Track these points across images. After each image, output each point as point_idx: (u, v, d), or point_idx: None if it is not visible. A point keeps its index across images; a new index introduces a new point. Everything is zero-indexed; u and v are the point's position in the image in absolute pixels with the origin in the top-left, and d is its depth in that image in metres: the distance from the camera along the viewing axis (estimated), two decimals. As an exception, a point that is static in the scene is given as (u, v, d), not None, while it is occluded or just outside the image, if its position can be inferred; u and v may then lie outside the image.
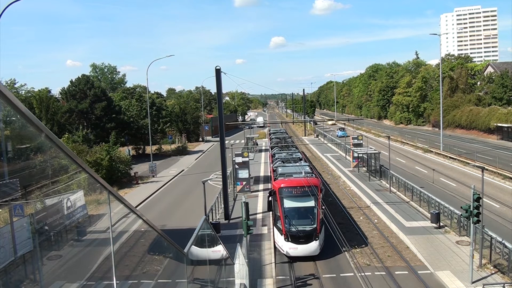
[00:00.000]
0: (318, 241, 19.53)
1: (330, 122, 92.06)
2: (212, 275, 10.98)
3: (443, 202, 23.90)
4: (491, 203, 26.82)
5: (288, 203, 20.53)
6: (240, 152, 33.13)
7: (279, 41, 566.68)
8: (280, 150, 35.95)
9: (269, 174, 33.20)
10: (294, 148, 38.45)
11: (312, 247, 19.46)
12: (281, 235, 19.90)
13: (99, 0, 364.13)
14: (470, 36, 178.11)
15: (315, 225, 19.83)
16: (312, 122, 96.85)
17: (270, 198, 21.50)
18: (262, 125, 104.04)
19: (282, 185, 20.89)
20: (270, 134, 56.89)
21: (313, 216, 20.19)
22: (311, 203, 20.29)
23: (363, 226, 24.49)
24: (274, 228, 21.08)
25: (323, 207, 20.24)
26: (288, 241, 19.58)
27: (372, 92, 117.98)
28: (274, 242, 21.13)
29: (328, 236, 19.97)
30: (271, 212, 22.84)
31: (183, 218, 26.48)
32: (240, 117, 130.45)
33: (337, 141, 60.41)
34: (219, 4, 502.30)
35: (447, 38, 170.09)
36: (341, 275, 18.04)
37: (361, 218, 26.21)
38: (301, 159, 29.55)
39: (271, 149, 38.92)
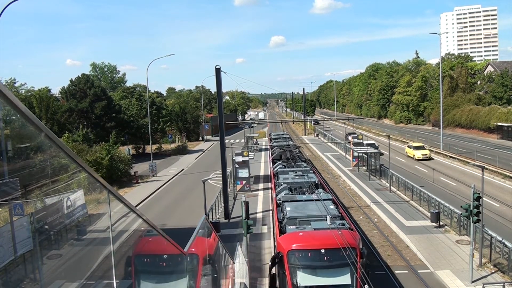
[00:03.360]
0: None
1: (419, 153, 43.83)
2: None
3: (443, 201, 23.89)
4: (491, 202, 26.82)
5: (306, 279, 11.70)
6: (240, 151, 33.15)
7: (279, 40, 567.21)
8: (284, 166, 26.84)
9: (271, 208, 25.60)
10: (304, 164, 27.58)
11: None
12: None
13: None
14: (470, 35, 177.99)
15: None
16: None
17: (273, 270, 12.27)
18: (264, 118, 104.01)
19: (293, 246, 11.97)
20: (271, 140, 48.69)
21: None
22: (346, 279, 11.59)
23: (363, 225, 24.49)
24: None
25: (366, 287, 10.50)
26: None
27: (372, 91, 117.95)
28: None
29: None
30: None
31: (183, 218, 26.47)
32: (240, 116, 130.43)
33: (337, 140, 60.42)
34: (219, 4, 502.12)
35: (447, 37, 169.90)
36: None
37: (361, 217, 26.23)
38: (317, 185, 20.04)
39: (272, 162, 30.44)
